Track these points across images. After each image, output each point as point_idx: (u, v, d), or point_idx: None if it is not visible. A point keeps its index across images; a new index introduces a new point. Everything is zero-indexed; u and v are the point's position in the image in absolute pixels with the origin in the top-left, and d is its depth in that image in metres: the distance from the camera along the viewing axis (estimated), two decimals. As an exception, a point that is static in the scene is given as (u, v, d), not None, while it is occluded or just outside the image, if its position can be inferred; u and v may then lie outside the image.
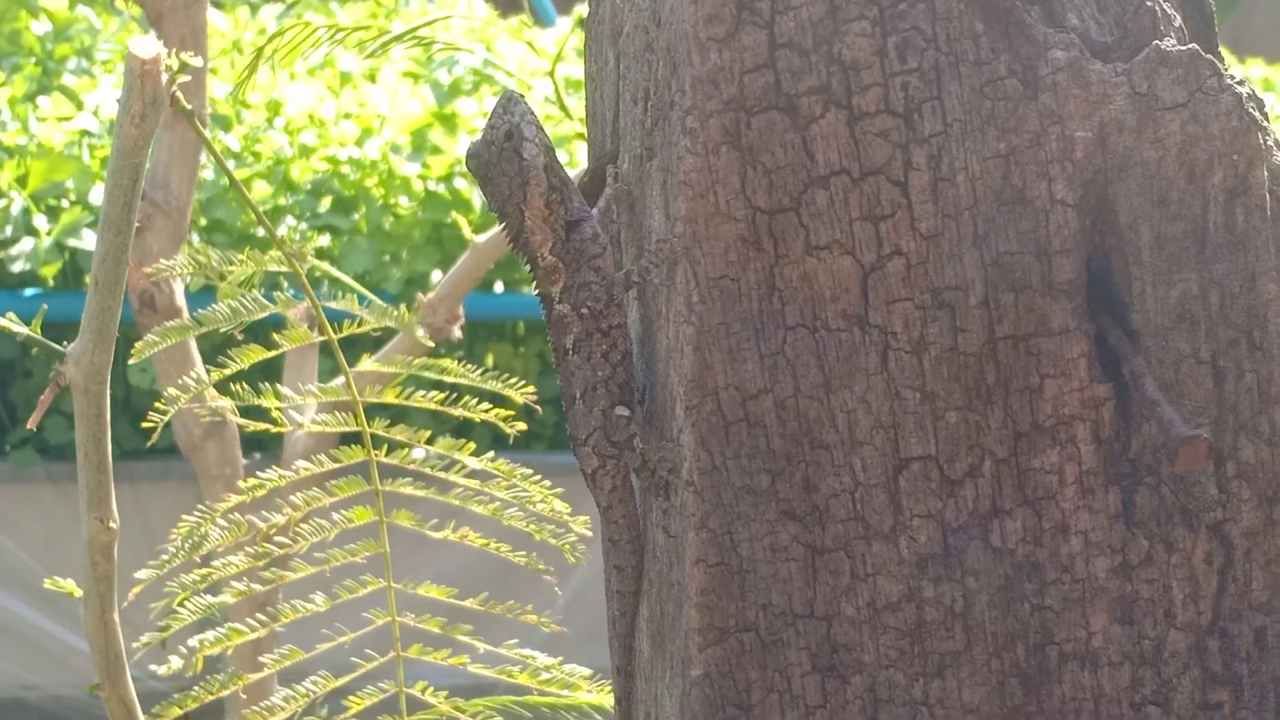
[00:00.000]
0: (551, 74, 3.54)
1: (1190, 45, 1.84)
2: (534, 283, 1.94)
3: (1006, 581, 1.84)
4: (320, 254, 5.33)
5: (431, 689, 2.67)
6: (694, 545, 1.83)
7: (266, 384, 2.76)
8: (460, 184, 5.35)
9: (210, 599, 2.62)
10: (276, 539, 2.66)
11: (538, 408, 2.78)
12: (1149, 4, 1.87)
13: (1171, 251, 1.84)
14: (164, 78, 2.45)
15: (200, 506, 2.67)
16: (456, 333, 3.93)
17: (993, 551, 1.84)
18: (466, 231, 3.89)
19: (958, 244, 1.82)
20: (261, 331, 2.85)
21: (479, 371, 2.71)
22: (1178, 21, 1.89)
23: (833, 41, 1.81)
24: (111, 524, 2.60)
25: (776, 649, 1.83)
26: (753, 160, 1.82)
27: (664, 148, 1.86)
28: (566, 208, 1.90)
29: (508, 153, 1.89)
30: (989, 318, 1.83)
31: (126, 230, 2.50)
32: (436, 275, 5.25)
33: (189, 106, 2.60)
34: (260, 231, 5.25)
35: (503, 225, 1.93)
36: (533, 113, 1.90)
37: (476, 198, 5.32)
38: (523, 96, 1.91)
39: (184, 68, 2.49)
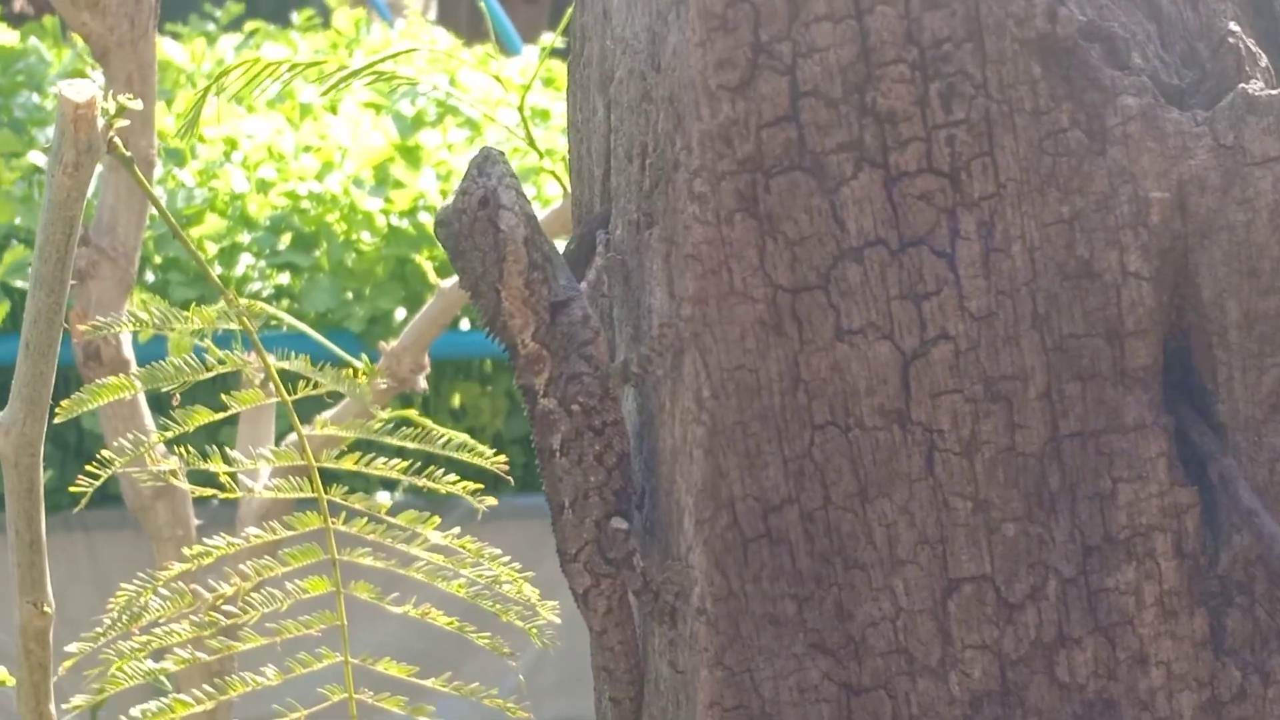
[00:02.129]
0: (521, 108, 3.18)
1: (1282, 88, 1.52)
2: (514, 374, 1.60)
3: (1076, 722, 1.51)
4: (280, 292, 4.99)
5: (390, 771, 2.37)
6: (707, 685, 1.50)
7: (216, 446, 2.43)
8: (424, 218, 5.01)
9: (152, 665, 2.31)
10: (225, 608, 2.35)
11: (510, 478, 2.45)
12: (1231, 40, 1.54)
13: (1263, 331, 1.51)
14: (100, 122, 2.14)
15: (141, 574, 2.36)
16: (422, 383, 3.60)
17: (1059, 688, 1.51)
18: (432, 276, 3.56)
19: (1014, 325, 1.49)
20: (219, 378, 2.53)
21: (442, 441, 2.39)
22: (1264, 60, 1.56)
23: (865, 89, 1.48)
24: (46, 608, 2.30)
25: (806, 805, 1.50)
26: (773, 230, 1.49)
27: (667, 214, 1.53)
28: (550, 287, 1.57)
29: (482, 223, 1.56)
30: (1052, 412, 1.50)
31: (60, 289, 2.18)
32: (400, 313, 4.91)
33: (129, 154, 2.27)
34: (217, 270, 4.90)
35: (475, 303, 1.59)
36: (513, 174, 1.57)
37: (441, 233, 4.98)
38: (502, 154, 1.57)
39: (122, 111, 2.18)
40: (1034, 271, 1.49)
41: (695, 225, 1.49)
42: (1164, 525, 1.50)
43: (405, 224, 5.00)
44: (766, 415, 1.50)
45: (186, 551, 2.35)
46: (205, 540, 2.35)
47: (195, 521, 3.40)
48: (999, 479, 1.50)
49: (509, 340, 1.58)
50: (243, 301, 2.42)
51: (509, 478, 2.36)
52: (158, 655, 2.30)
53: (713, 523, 1.50)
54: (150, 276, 4.92)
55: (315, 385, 2.38)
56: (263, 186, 5.06)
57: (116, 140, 2.23)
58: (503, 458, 2.39)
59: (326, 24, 6.17)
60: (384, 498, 4.47)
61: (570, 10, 1.76)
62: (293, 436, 3.13)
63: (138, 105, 2.17)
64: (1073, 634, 1.50)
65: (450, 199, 1.57)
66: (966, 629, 1.50)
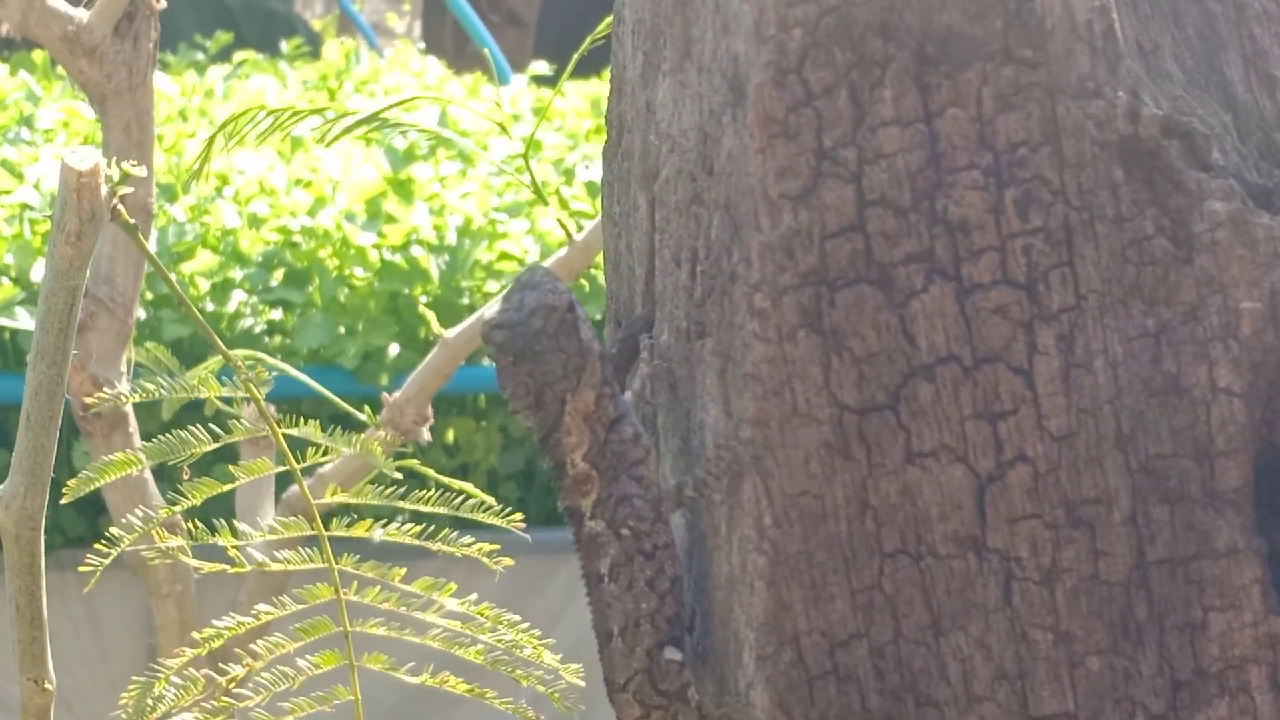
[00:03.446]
0: (527, 153, 3.06)
1: (1376, 188, 1.40)
2: (559, 494, 1.47)
3: None
4: (272, 328, 4.85)
5: None
6: (773, 833, 1.37)
7: (221, 520, 2.30)
8: (418, 252, 4.87)
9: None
10: (235, 690, 2.23)
11: (527, 536, 2.33)
12: (1319, 135, 1.42)
13: (1360, 447, 1.39)
14: (104, 190, 2.02)
15: (151, 665, 2.23)
16: (425, 434, 3.47)
17: (1147, 829, 1.38)
18: (436, 326, 3.42)
19: (1096, 446, 1.37)
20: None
21: (458, 500, 2.26)
22: (1356, 156, 1.43)
23: (936, 197, 1.36)
24: (47, 685, 2.17)
25: None
26: (838, 347, 1.36)
27: (723, 328, 1.40)
28: (616, 405, 1.44)
29: (569, 326, 1.42)
30: (1138, 537, 1.38)
31: (63, 361, 2.06)
32: (394, 349, 4.77)
33: (132, 221, 2.15)
34: (210, 306, 4.76)
35: (528, 415, 1.45)
36: None
37: (434, 268, 4.84)
38: (548, 271, 1.44)
39: (126, 179, 2.06)
40: (1117, 388, 1.37)
41: (755, 343, 1.36)
42: (1259, 657, 1.38)
43: (398, 259, 4.86)
44: (833, 544, 1.37)
45: (196, 635, 2.23)
46: (213, 622, 2.23)
47: (195, 576, 3.28)
48: (1082, 609, 1.37)
49: (558, 458, 1.45)
50: (241, 353, 2.30)
51: (519, 529, 2.25)
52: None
53: (776, 659, 1.37)
54: (142, 314, 4.78)
55: (325, 451, 2.26)
56: (254, 222, 4.92)
57: (120, 208, 2.10)
58: (518, 516, 2.27)
59: (315, 53, 6.03)
60: (378, 535, 4.35)
61: (607, 97, 1.63)
62: (294, 488, 3.00)
63: (142, 172, 2.05)
64: (1162, 774, 1.38)
65: (514, 301, 1.43)
66: (1048, 769, 1.38)
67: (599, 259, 3.24)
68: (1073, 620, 1.37)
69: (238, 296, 4.85)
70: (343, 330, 4.84)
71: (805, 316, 1.36)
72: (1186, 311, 1.37)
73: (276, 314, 4.87)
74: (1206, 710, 1.38)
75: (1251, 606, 1.38)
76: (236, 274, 4.86)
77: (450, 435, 4.96)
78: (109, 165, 2.02)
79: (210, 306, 4.78)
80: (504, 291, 1.45)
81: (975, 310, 1.36)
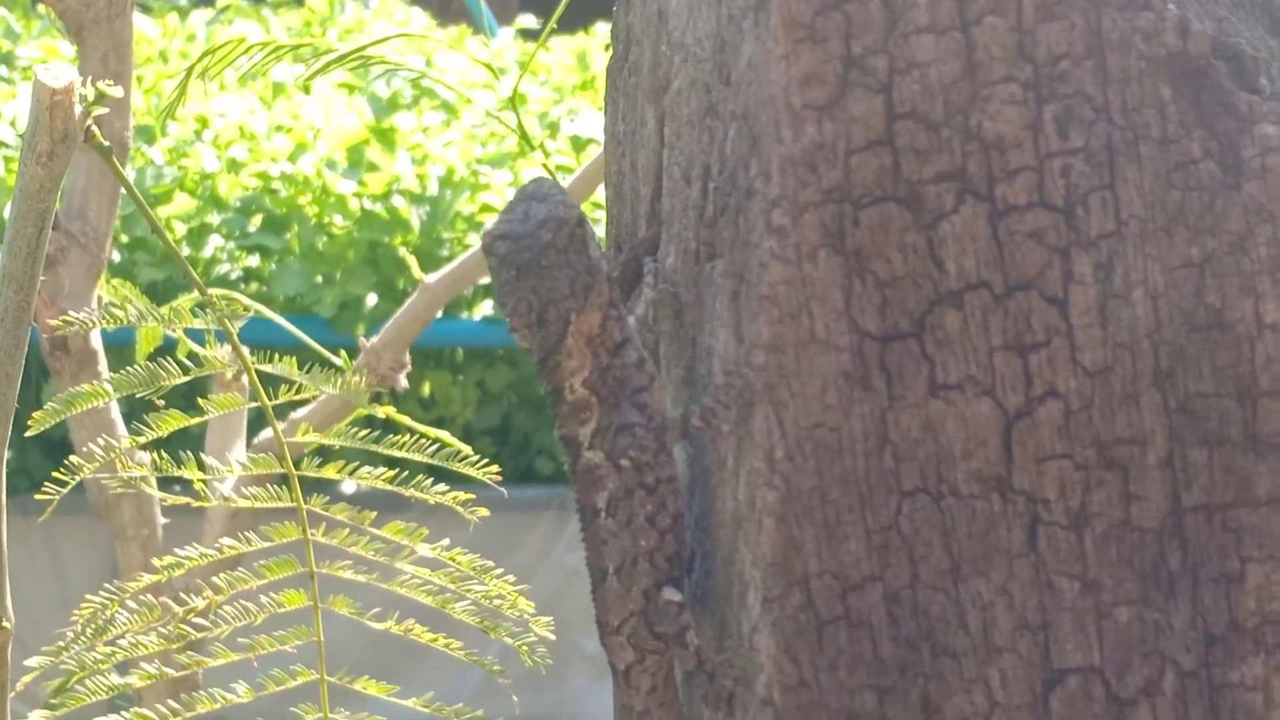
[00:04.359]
0: (514, 96, 2.95)
1: None
2: (556, 422, 1.36)
3: (1191, 833, 1.28)
4: (249, 275, 4.74)
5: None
6: (775, 787, 1.27)
7: (188, 451, 2.19)
8: (398, 202, 4.76)
9: (117, 679, 2.08)
10: (194, 620, 2.13)
11: (503, 490, 2.22)
12: (1375, 61, 1.31)
13: None
14: (78, 110, 1.90)
15: (107, 586, 2.12)
16: (402, 381, 3.36)
17: (1173, 793, 1.28)
18: (416, 271, 3.30)
19: (1133, 383, 1.27)
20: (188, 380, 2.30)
21: (432, 448, 2.16)
22: None
23: (970, 111, 1.25)
24: (5, 623, 2.06)
25: None
26: (861, 269, 1.26)
27: (736, 247, 1.29)
28: (622, 328, 1.33)
29: (578, 241, 1.31)
30: (1173, 481, 1.27)
31: (30, 286, 1.95)
32: (372, 299, 4.66)
33: (106, 143, 2.04)
34: (185, 250, 4.64)
35: (527, 335, 1.34)
36: None
37: (416, 218, 4.72)
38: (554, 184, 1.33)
39: (101, 98, 1.94)
40: (1157, 321, 1.27)
41: (773, 262, 1.25)
42: (1297, 612, 1.28)
43: (379, 208, 4.75)
44: (848, 480, 1.27)
45: (156, 563, 2.13)
46: (175, 550, 2.13)
47: (161, 520, 3.17)
48: (1111, 557, 1.27)
49: (556, 383, 1.34)
50: (218, 292, 2.19)
51: (495, 482, 2.14)
52: (123, 668, 2.09)
53: (783, 601, 1.27)
54: (117, 256, 4.66)
55: (300, 389, 2.16)
56: (234, 166, 4.80)
57: (95, 129, 1.99)
58: (494, 467, 2.17)
59: (299, 1, 5.90)
60: (349, 489, 4.24)
61: (614, 9, 1.52)
62: (268, 432, 2.89)
63: (118, 92, 1.94)
64: (1190, 734, 1.28)
65: (518, 212, 1.32)
66: (1070, 726, 1.28)
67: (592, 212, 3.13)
68: (1101, 568, 1.27)
69: (215, 241, 4.73)
70: (320, 279, 4.73)
71: (827, 236, 1.25)
72: (1233, 241, 1.27)
73: (253, 260, 4.76)
74: (1241, 667, 1.28)
75: (1292, 559, 1.28)
76: (214, 218, 4.75)
77: (426, 388, 4.85)
78: (84, 85, 1.91)
79: (186, 251, 4.66)
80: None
81: (1008, 234, 1.26)
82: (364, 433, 2.23)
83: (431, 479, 2.15)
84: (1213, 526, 1.28)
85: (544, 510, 4.69)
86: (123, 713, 2.08)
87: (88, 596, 2.08)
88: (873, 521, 1.27)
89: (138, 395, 2.10)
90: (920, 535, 1.27)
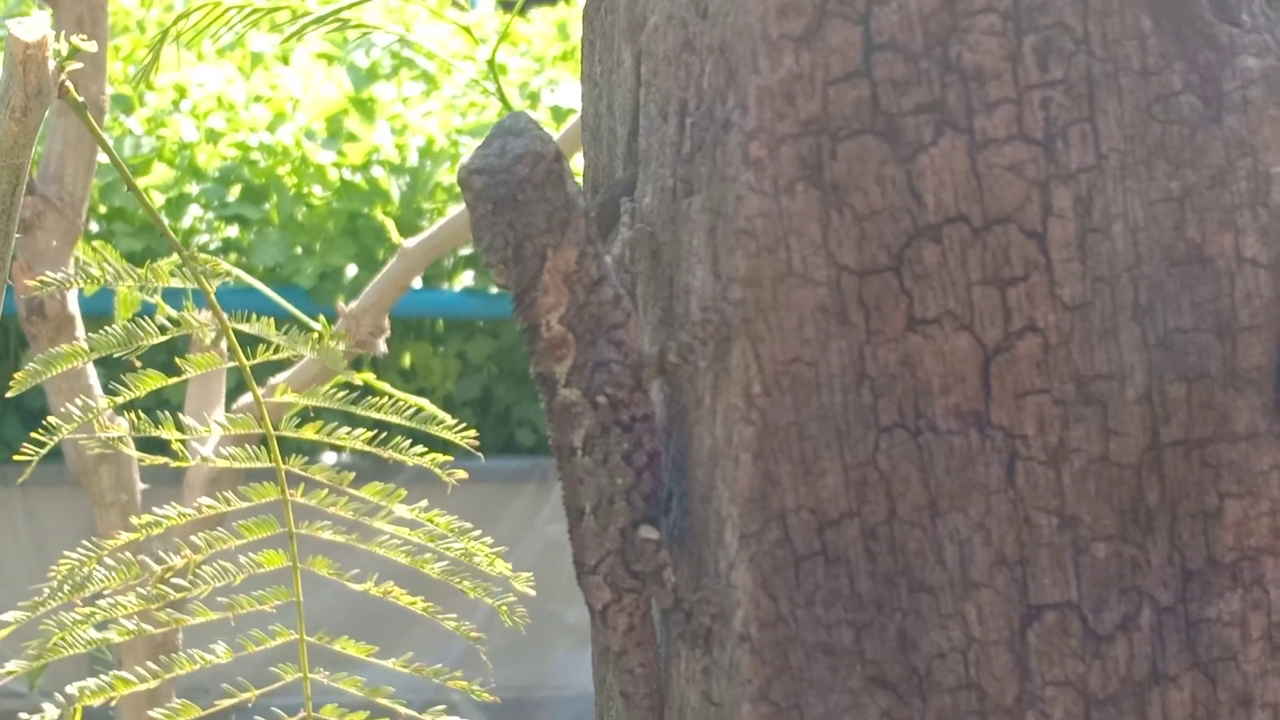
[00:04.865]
0: (491, 62, 2.94)
1: None
2: (531, 359, 1.36)
3: (1168, 770, 1.28)
4: (228, 245, 4.72)
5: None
6: (752, 723, 1.26)
7: (167, 414, 2.18)
8: (378, 173, 4.74)
9: (94, 634, 2.08)
10: (174, 580, 2.12)
11: (480, 454, 2.21)
12: (1357, -5, 1.31)
13: (1390, 328, 1.29)
14: (51, 65, 1.90)
15: (85, 542, 2.12)
16: (381, 346, 3.35)
17: (1151, 730, 1.28)
18: (395, 235, 3.30)
19: (1112, 317, 1.26)
20: (166, 343, 2.29)
21: (410, 412, 2.16)
22: (1395, 19, 1.33)
23: (949, 42, 1.25)
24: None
25: None
26: (838, 202, 1.25)
27: (713, 182, 1.29)
28: (598, 265, 1.33)
29: (556, 176, 1.30)
30: (1152, 417, 1.27)
31: (4, 243, 1.95)
32: (352, 269, 4.65)
33: (81, 99, 2.03)
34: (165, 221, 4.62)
35: (503, 270, 1.33)
36: None
37: (395, 189, 4.71)
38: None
39: (76, 53, 1.93)
40: (1136, 256, 1.26)
41: (749, 195, 1.25)
42: (1275, 548, 1.28)
43: (358, 178, 4.74)
44: (825, 415, 1.26)
45: (135, 520, 2.12)
46: (153, 509, 2.12)
47: (141, 486, 3.17)
48: (1089, 492, 1.27)
49: (532, 319, 1.33)
50: (200, 255, 2.18)
51: (473, 448, 2.14)
52: (101, 627, 2.08)
53: (760, 537, 1.26)
54: (95, 227, 4.64)
55: (277, 349, 2.15)
56: (212, 136, 4.79)
57: (69, 84, 1.98)
58: (472, 432, 2.17)
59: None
60: (329, 459, 4.22)
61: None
62: (247, 398, 2.88)
63: (92, 46, 1.93)
64: (1168, 670, 1.28)
65: (495, 146, 1.31)
66: (1048, 663, 1.27)
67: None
68: (1079, 504, 1.27)
69: (193, 211, 4.72)
70: (300, 250, 4.72)
71: (804, 168, 1.25)
72: (1213, 175, 1.26)
73: (232, 231, 4.74)
74: (1218, 603, 1.28)
75: (1270, 494, 1.28)
76: (193, 189, 4.73)
77: (407, 360, 4.84)
78: (58, 40, 1.90)
79: (165, 221, 4.65)
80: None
81: (987, 167, 1.25)
82: (342, 394, 2.22)
83: (410, 440, 2.15)
84: (1191, 462, 1.27)
85: (525, 482, 4.68)
86: (102, 675, 2.07)
87: (65, 552, 2.07)
88: (850, 457, 1.26)
89: (116, 355, 2.10)
90: (898, 471, 1.27)
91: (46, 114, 1.92)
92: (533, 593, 2.12)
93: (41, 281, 2.12)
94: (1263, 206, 1.27)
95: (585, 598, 1.38)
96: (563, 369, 1.34)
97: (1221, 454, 1.27)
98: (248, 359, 2.10)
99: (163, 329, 2.11)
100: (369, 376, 2.94)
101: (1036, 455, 1.27)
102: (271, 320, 2.13)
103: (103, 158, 4.65)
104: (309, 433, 2.20)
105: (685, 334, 1.30)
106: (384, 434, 2.12)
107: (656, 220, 1.38)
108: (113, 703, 2.10)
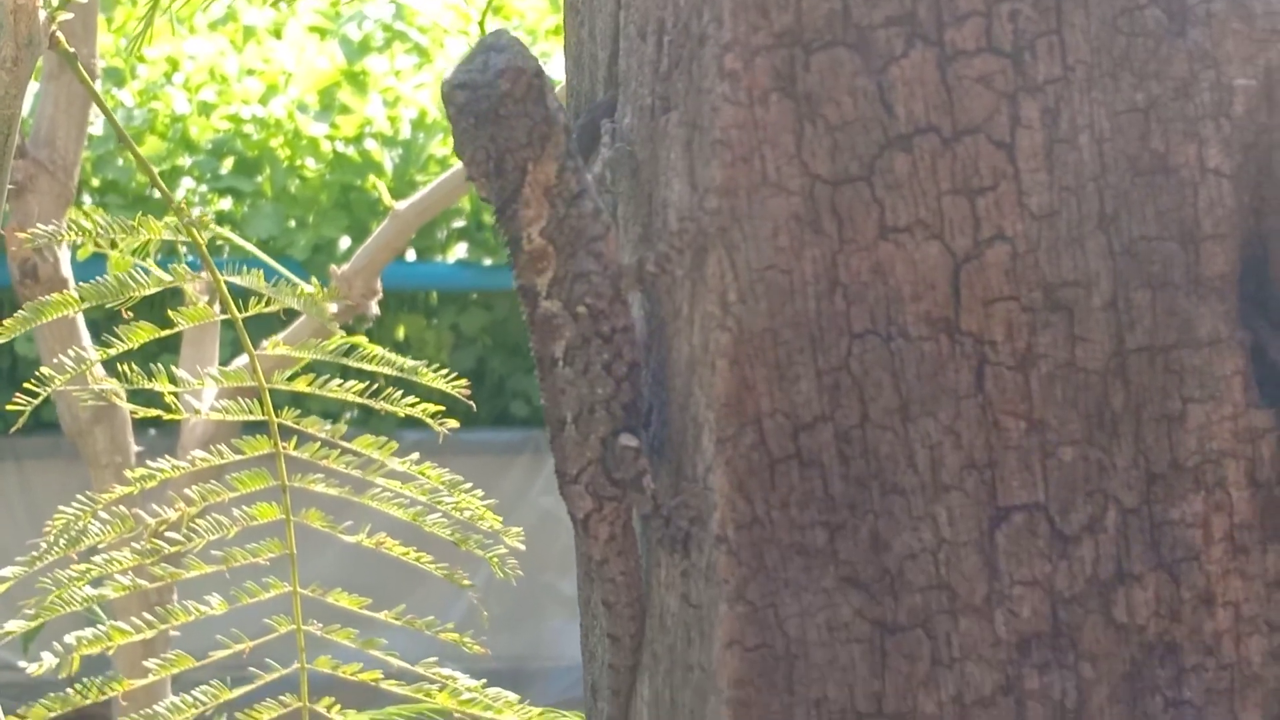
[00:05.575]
0: (481, 24, 2.99)
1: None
2: (513, 271, 1.40)
3: (1134, 668, 1.32)
4: (221, 218, 4.76)
5: (339, 706, 2.19)
6: (727, 622, 1.30)
7: (160, 365, 2.22)
8: (371, 145, 4.79)
9: (90, 591, 2.12)
10: (168, 535, 2.16)
11: (472, 404, 2.25)
12: (1318, -85, 1.35)
13: (1350, 238, 1.33)
14: (42, 15, 1.94)
15: (81, 497, 2.16)
16: (374, 308, 3.39)
17: (1116, 629, 1.32)
18: (386, 198, 3.34)
19: (1078, 226, 1.31)
20: (158, 303, 2.33)
21: (402, 362, 2.20)
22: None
23: (919, -44, 1.29)
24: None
25: (834, 756, 1.31)
26: (811, 113, 1.29)
27: (690, 96, 1.33)
28: (578, 179, 1.37)
29: (536, 91, 1.34)
30: (1117, 323, 1.31)
31: (-3, 194, 1.99)
32: (345, 241, 4.70)
33: (72, 50, 2.07)
34: (157, 194, 4.66)
35: (485, 184, 1.37)
36: None
37: (388, 161, 4.75)
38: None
39: (66, 4, 1.98)
40: (1102, 166, 1.30)
41: (725, 106, 1.29)
42: (1237, 451, 1.32)
43: (351, 151, 4.78)
44: (799, 322, 1.30)
45: (129, 474, 2.16)
46: (147, 463, 2.16)
47: (135, 448, 3.21)
48: (1056, 397, 1.31)
49: (514, 232, 1.37)
50: (195, 208, 2.22)
51: (465, 397, 2.18)
52: (96, 582, 2.12)
53: (736, 441, 1.31)
54: (88, 200, 4.68)
55: (269, 302, 2.18)
56: (205, 109, 4.83)
57: (59, 35, 2.02)
58: (464, 381, 2.21)
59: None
60: (318, 426, 4.26)
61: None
62: (242, 357, 2.93)
63: (83, -2, 1.97)
64: (1133, 570, 1.32)
65: (477, 61, 1.35)
66: (1015, 563, 1.31)
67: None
68: (1046, 408, 1.31)
69: (186, 184, 4.76)
70: (293, 223, 4.76)
71: (778, 80, 1.29)
72: (1177, 87, 1.31)
73: (226, 203, 4.78)
74: (1181, 505, 1.32)
75: (1232, 398, 1.32)
76: (185, 161, 4.77)
77: (400, 332, 4.88)
78: (47, -11, 1.94)
79: (157, 194, 4.68)
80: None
81: (957, 79, 1.29)
82: (332, 344, 2.26)
83: (400, 391, 2.19)
84: (1155, 367, 1.32)
85: (519, 453, 4.72)
86: (99, 626, 2.11)
87: (60, 508, 2.11)
88: (823, 362, 1.31)
89: (107, 305, 2.13)
90: (870, 376, 1.31)
91: (39, 78, 1.96)
92: (523, 547, 2.16)
93: (32, 234, 2.16)
94: (1225, 118, 1.31)
95: (568, 508, 1.43)
96: (544, 281, 1.38)
97: (1185, 360, 1.31)
98: (240, 315, 2.14)
99: (156, 281, 2.15)
100: (362, 339, 2.99)
101: (1005, 361, 1.31)
102: (259, 271, 2.17)
103: (94, 128, 4.67)
104: (301, 385, 2.25)
105: (663, 244, 1.34)
106: (374, 383, 2.16)
107: (636, 139, 1.42)
108: (110, 653, 2.14)
